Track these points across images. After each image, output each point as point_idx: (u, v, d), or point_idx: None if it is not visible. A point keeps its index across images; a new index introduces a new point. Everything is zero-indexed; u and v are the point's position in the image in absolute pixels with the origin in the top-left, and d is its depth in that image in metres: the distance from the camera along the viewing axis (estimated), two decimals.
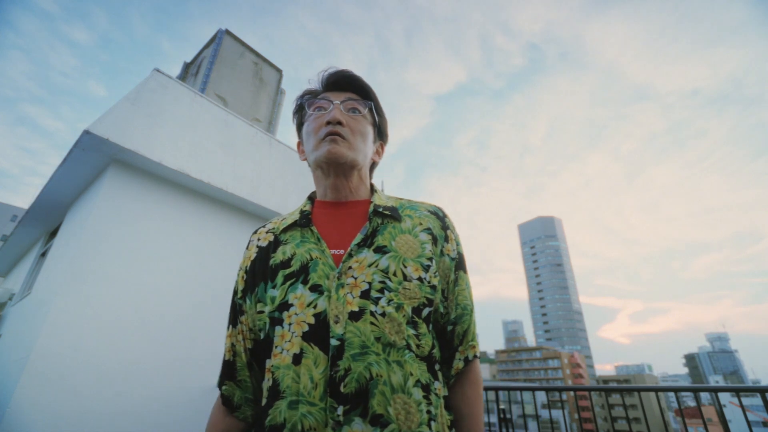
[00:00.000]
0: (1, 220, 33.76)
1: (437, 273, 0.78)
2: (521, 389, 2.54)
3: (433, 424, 0.66)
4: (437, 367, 0.75)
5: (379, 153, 0.98)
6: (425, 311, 0.73)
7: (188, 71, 7.44)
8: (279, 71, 7.92)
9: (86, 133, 3.62)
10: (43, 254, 5.37)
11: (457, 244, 0.88)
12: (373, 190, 0.93)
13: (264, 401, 0.69)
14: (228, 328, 0.85)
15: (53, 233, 5.31)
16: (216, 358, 4.25)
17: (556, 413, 50.77)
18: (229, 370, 0.81)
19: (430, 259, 0.78)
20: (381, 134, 0.97)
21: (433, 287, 0.76)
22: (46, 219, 5.28)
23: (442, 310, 0.79)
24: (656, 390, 2.25)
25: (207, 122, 4.95)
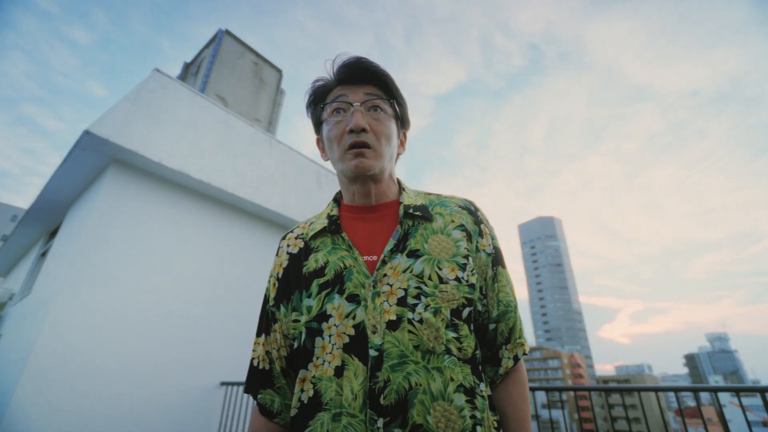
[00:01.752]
0: (1, 220, 33.79)
1: (474, 271, 0.75)
2: None
3: (479, 428, 0.64)
4: (481, 368, 0.73)
5: (402, 143, 0.93)
6: (465, 312, 0.71)
7: (188, 71, 7.46)
8: (279, 71, 7.92)
9: (86, 133, 3.62)
10: (43, 254, 5.37)
11: (492, 238, 0.83)
12: (401, 187, 0.89)
13: (296, 411, 0.69)
14: (260, 335, 0.83)
15: (53, 233, 5.32)
16: (218, 358, 4.25)
17: (556, 413, 50.75)
18: (266, 378, 0.80)
19: (466, 257, 0.75)
20: (403, 123, 0.91)
21: (472, 286, 0.73)
22: (46, 219, 5.29)
23: (481, 308, 0.76)
24: (656, 390, 2.25)
25: (207, 122, 4.95)
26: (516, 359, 0.78)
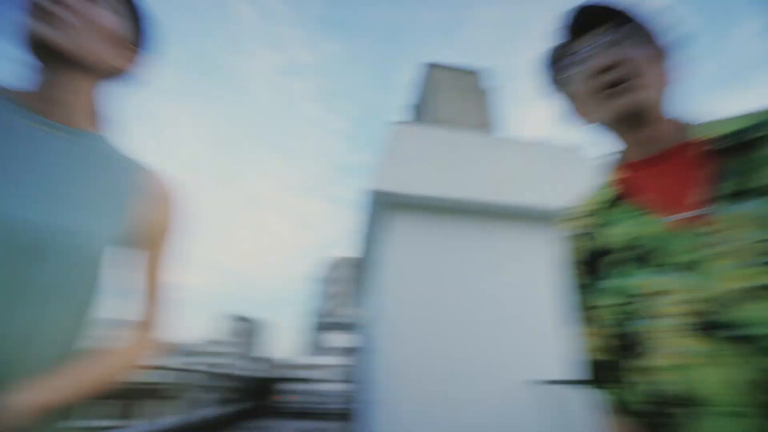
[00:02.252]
0: (347, 269, 48.83)
1: None
2: None
3: None
4: None
5: (668, 76, 0.72)
6: None
7: (415, 111, 8.58)
8: (485, 72, 7.96)
9: (369, 192, 4.72)
10: (373, 287, 7.21)
11: None
12: (685, 123, 0.71)
13: (646, 407, 0.60)
14: (581, 326, 0.76)
15: (371, 271, 7.07)
16: (520, 357, 4.38)
17: None
18: (605, 371, 0.72)
19: None
20: (662, 53, 0.72)
21: None
22: (366, 261, 7.12)
23: None
24: None
25: (446, 146, 5.49)
26: None
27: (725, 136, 0.61)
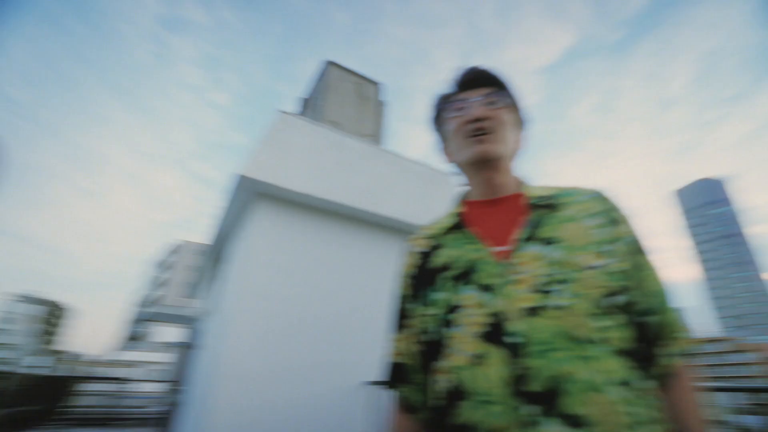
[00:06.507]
0: (191, 255, 43.32)
1: (614, 259, 0.71)
2: (713, 390, 2.10)
3: (641, 428, 0.59)
4: (640, 364, 0.67)
5: (521, 141, 0.93)
6: (610, 301, 0.67)
7: (306, 105, 8.36)
8: (378, 84, 8.31)
9: (237, 176, 4.36)
10: (218, 278, 6.62)
11: (630, 225, 0.80)
12: (523, 181, 0.89)
13: (437, 402, 0.71)
14: (396, 332, 0.88)
15: (223, 260, 6.52)
16: (358, 359, 4.60)
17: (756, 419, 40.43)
18: (402, 373, 0.84)
19: (604, 243, 0.72)
20: (521, 122, 0.93)
21: (615, 273, 0.70)
22: (217, 249, 6.51)
23: (627, 299, 0.71)
24: None
25: (325, 146, 5.47)
26: (674, 357, 0.72)
27: (538, 197, 0.81)
